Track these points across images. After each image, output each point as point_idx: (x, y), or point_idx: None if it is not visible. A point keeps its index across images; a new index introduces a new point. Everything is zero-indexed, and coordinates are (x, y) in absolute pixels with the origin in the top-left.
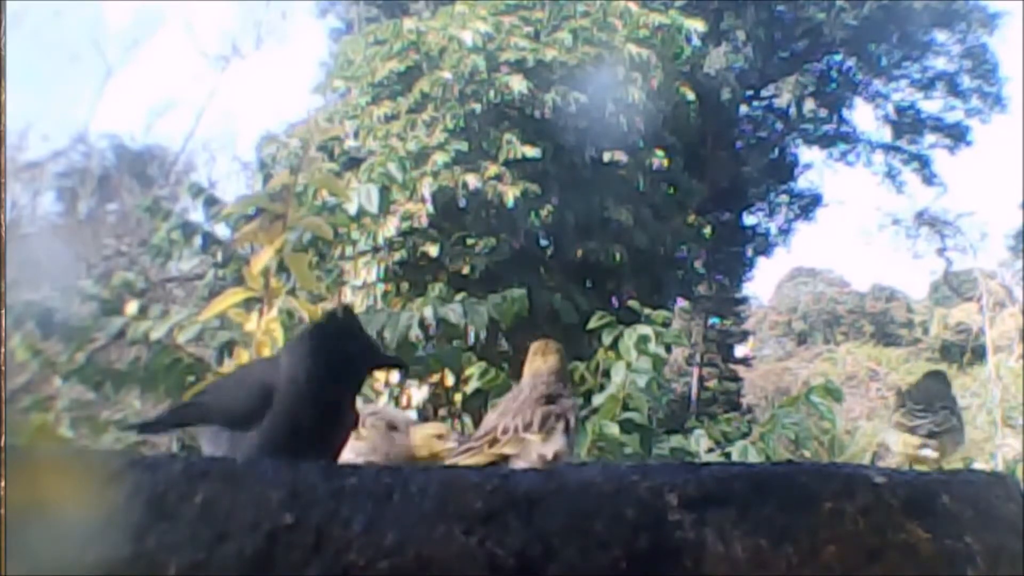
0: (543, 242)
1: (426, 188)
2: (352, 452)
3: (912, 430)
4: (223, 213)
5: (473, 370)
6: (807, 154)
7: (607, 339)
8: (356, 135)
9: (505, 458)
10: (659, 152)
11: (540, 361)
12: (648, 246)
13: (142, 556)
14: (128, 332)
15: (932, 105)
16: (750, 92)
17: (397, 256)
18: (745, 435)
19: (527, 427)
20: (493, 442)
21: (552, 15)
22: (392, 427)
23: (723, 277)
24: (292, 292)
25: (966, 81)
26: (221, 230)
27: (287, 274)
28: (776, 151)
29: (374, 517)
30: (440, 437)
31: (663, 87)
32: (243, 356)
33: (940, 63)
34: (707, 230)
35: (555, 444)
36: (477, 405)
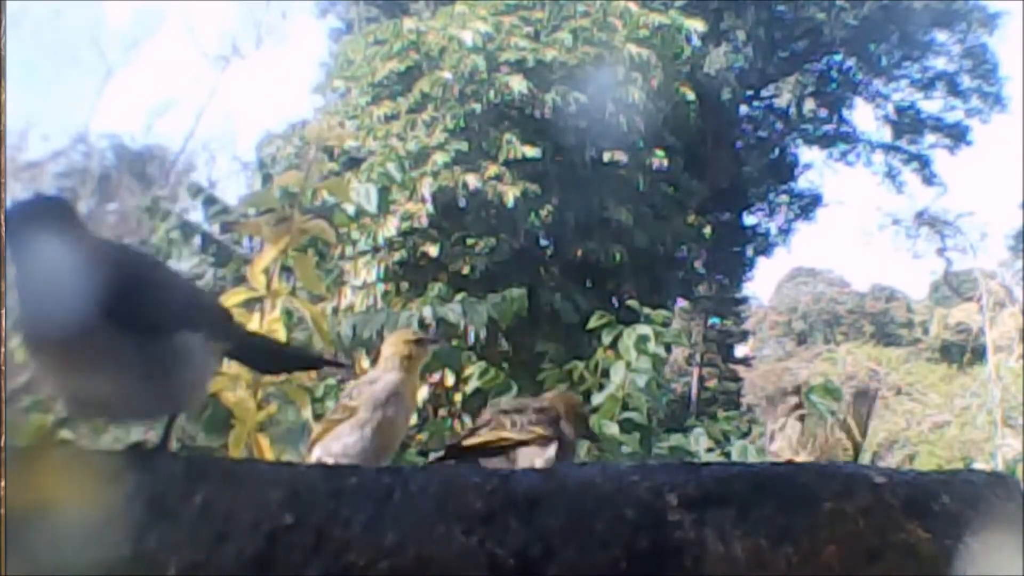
0: (543, 242)
1: (426, 188)
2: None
3: None
4: (233, 215)
5: (473, 370)
6: (807, 154)
7: (607, 339)
8: (356, 135)
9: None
10: (659, 152)
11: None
12: (648, 246)
13: (142, 556)
14: None
15: (932, 105)
16: (750, 92)
17: (397, 256)
18: (745, 435)
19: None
20: None
21: (552, 15)
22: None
23: (723, 277)
24: (293, 292)
25: (966, 81)
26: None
27: (288, 274)
28: (776, 151)
29: (374, 517)
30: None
31: (663, 87)
32: None
33: (940, 63)
34: (707, 230)
35: None
36: (477, 405)
